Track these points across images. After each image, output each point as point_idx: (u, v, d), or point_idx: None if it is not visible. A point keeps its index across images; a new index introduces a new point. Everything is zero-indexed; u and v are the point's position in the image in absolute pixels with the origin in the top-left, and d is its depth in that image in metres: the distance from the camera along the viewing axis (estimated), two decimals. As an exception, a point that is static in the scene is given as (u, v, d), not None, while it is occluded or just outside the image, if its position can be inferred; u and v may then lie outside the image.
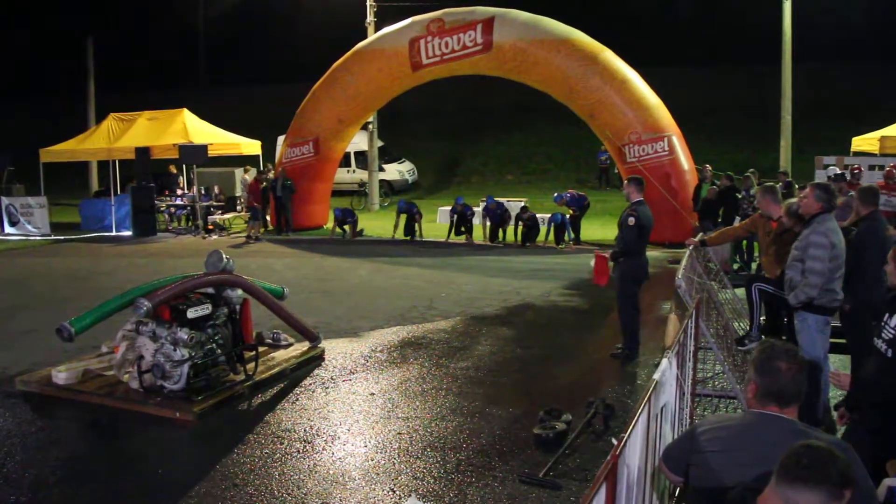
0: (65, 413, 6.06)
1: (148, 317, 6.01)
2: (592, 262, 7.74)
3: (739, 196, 12.66)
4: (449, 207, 17.04)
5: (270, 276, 10.52)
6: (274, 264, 13.37)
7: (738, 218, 12.15)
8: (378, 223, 19.03)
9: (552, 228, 15.31)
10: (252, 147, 20.46)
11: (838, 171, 12.94)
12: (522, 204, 17.23)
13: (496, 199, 16.71)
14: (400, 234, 16.40)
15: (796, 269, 5.20)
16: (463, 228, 16.09)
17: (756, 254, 11.98)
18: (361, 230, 17.39)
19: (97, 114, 25.37)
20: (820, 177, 13.77)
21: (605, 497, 2.15)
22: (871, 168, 14.99)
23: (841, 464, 1.84)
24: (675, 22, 34.26)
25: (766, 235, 6.81)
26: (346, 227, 16.93)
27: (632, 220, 7.05)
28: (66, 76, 33.79)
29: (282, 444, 5.34)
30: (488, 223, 15.78)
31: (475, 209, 16.70)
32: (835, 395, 5.90)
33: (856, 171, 12.99)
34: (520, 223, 15.71)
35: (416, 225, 16.37)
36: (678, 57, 31.89)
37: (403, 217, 16.35)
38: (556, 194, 16.50)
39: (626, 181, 7.69)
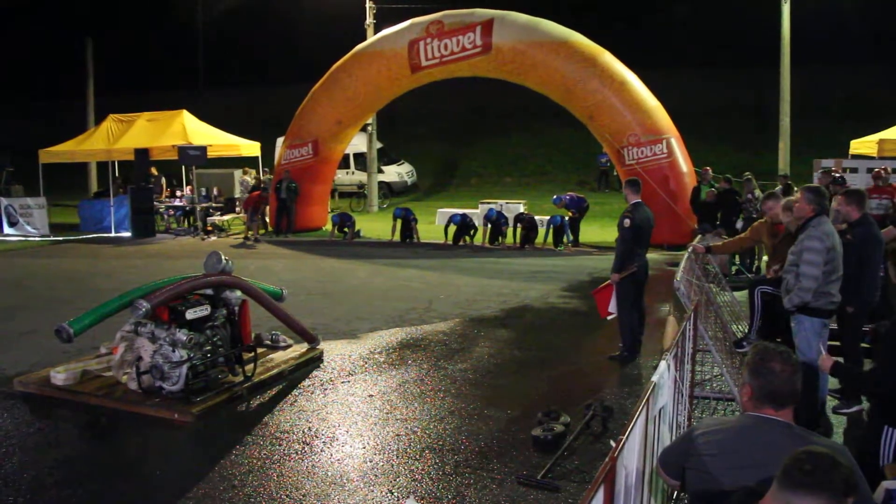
0: (63, 414, 6.05)
1: (147, 318, 6.01)
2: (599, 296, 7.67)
3: (740, 199, 12.67)
4: (448, 210, 17.05)
5: (269, 277, 10.52)
6: (273, 265, 13.37)
7: (740, 220, 12.17)
8: (377, 225, 19.04)
9: (551, 230, 15.32)
10: (251, 148, 20.46)
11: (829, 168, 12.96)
12: (521, 210, 17.24)
13: (496, 202, 16.75)
14: (397, 238, 16.43)
15: (792, 273, 5.21)
16: (467, 239, 16.07)
17: (756, 255, 12.01)
18: (359, 231, 17.41)
19: (96, 115, 25.39)
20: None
21: (603, 499, 2.15)
22: (870, 171, 15.00)
23: (844, 470, 1.84)
24: (675, 24, 34.30)
25: (770, 239, 6.82)
26: (346, 230, 16.97)
27: (626, 222, 7.08)
28: (65, 77, 33.79)
29: (280, 445, 5.34)
30: (488, 226, 15.79)
31: (475, 212, 16.74)
32: (832, 400, 5.92)
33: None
34: (518, 225, 15.72)
35: (413, 229, 16.38)
36: (677, 59, 31.93)
37: (399, 222, 16.39)
38: (555, 196, 16.53)
39: (623, 184, 7.72)
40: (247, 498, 4.53)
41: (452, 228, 16.13)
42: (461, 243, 15.97)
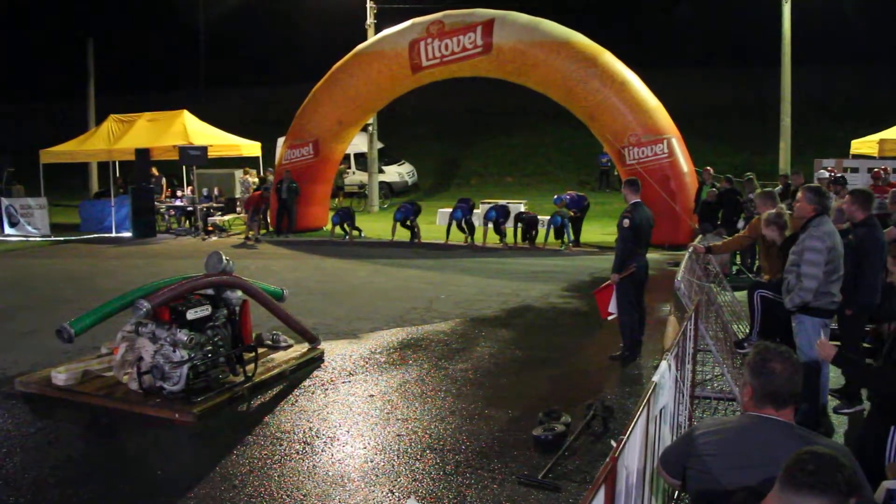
0: (64, 414, 6.06)
1: (147, 318, 6.01)
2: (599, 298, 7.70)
3: (741, 199, 12.67)
4: (449, 210, 17.02)
5: (270, 277, 10.53)
6: (273, 266, 13.37)
7: (742, 220, 12.17)
8: (378, 225, 19.04)
9: (552, 230, 15.31)
10: (252, 149, 20.48)
11: (823, 175, 12.97)
12: (521, 209, 17.22)
13: (497, 202, 16.77)
14: (398, 238, 16.35)
15: (793, 273, 5.21)
16: (468, 239, 16.05)
17: (756, 254, 12.00)
18: (360, 231, 17.37)
19: (97, 115, 25.41)
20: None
21: (604, 499, 2.15)
22: (871, 171, 15.02)
23: (847, 471, 1.83)
24: (675, 24, 34.31)
25: (764, 238, 6.82)
26: (347, 227, 16.88)
27: (626, 223, 7.08)
28: (66, 77, 33.82)
29: (281, 445, 5.34)
30: (489, 226, 15.78)
31: (475, 211, 16.73)
32: (833, 400, 5.92)
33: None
34: (518, 225, 15.71)
35: (414, 226, 16.32)
36: (678, 59, 31.96)
37: (399, 224, 16.33)
38: (555, 196, 16.52)
39: (622, 184, 7.73)
40: (248, 498, 4.53)
41: (455, 231, 16.10)
42: (464, 242, 15.94)
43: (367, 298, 10.53)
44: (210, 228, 18.33)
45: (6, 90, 39.59)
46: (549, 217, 15.64)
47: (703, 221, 12.90)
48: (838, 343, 5.75)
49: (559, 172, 28.06)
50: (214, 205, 19.53)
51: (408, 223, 16.39)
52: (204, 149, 17.59)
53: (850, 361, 4.02)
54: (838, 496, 1.81)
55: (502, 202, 17.18)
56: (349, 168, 25.36)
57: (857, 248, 5.51)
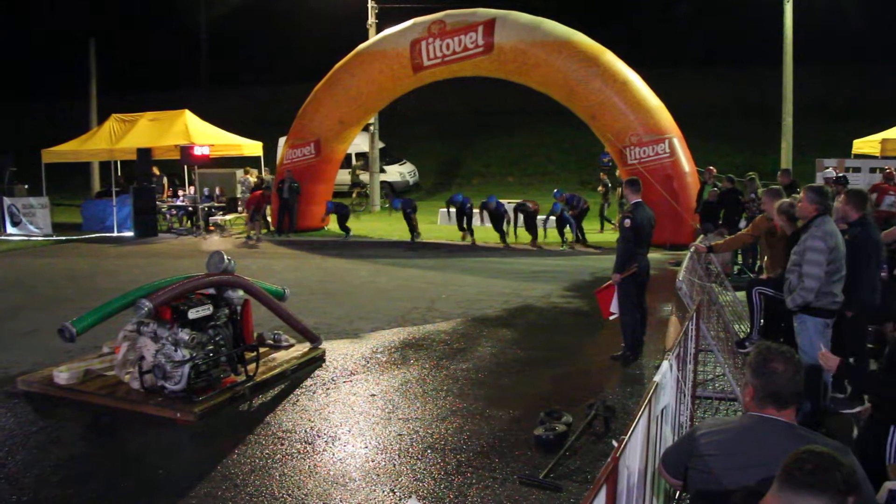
0: (66, 413, 6.07)
1: (149, 317, 6.02)
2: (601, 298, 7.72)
3: (743, 199, 12.66)
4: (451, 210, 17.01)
5: (271, 276, 10.53)
6: (275, 265, 13.38)
7: (744, 220, 12.17)
8: (379, 225, 19.04)
9: (555, 221, 15.29)
10: (253, 148, 20.48)
11: (830, 175, 12.97)
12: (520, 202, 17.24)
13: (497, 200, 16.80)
14: (400, 236, 16.31)
15: (795, 273, 5.21)
16: (468, 239, 16.04)
17: (758, 255, 11.98)
18: (348, 231, 17.24)
19: (99, 115, 25.40)
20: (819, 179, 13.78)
21: (606, 499, 2.15)
22: (873, 171, 15.01)
23: (845, 470, 1.83)
24: (675, 24, 34.30)
25: (767, 238, 6.83)
26: (347, 226, 16.84)
27: (627, 223, 7.09)
28: (67, 77, 33.79)
29: (282, 444, 5.34)
30: (485, 213, 15.73)
31: (476, 211, 16.74)
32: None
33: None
34: (519, 215, 15.72)
35: (414, 223, 16.28)
36: (679, 59, 31.93)
37: (401, 215, 16.30)
38: (556, 190, 16.57)
39: (622, 184, 7.73)
40: (249, 497, 4.53)
41: (456, 231, 16.10)
42: (463, 240, 15.93)
43: (368, 298, 10.53)
44: (211, 228, 18.35)
45: (6, 90, 39.58)
46: (549, 215, 15.65)
47: (704, 221, 12.88)
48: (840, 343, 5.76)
49: (560, 172, 28.05)
50: (216, 204, 19.54)
51: (407, 212, 16.35)
52: (205, 148, 17.60)
53: (852, 370, 4.01)
54: (836, 495, 1.80)
55: (503, 202, 17.16)
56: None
57: (852, 247, 5.51)
